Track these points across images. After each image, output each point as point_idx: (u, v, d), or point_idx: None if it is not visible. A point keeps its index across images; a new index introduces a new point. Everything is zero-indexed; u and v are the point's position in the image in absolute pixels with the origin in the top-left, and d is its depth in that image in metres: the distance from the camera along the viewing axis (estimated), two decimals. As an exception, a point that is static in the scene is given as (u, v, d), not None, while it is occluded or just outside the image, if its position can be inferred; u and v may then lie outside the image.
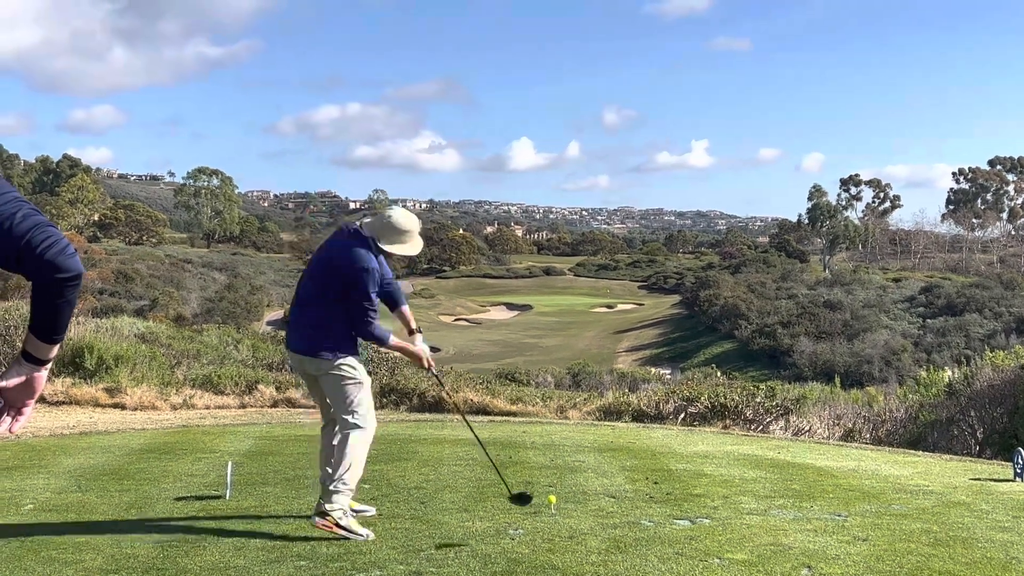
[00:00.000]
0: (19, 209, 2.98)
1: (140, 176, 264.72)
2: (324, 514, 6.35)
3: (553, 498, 7.07)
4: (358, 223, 6.74)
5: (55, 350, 3.18)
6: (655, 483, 8.34)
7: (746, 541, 6.24)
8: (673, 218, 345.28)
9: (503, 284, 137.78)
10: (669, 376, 50.72)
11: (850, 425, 16.02)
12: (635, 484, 8.29)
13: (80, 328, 18.80)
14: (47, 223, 2.99)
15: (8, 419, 3.18)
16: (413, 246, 6.70)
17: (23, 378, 3.14)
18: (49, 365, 3.21)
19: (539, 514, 6.92)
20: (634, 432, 13.09)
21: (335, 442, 6.47)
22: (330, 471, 6.38)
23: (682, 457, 10.21)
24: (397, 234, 6.60)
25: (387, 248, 6.57)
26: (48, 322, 3.06)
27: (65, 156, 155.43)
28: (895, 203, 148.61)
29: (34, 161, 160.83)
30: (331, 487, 6.31)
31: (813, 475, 9.22)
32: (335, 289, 6.41)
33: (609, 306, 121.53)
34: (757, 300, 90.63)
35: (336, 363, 6.44)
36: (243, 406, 16.80)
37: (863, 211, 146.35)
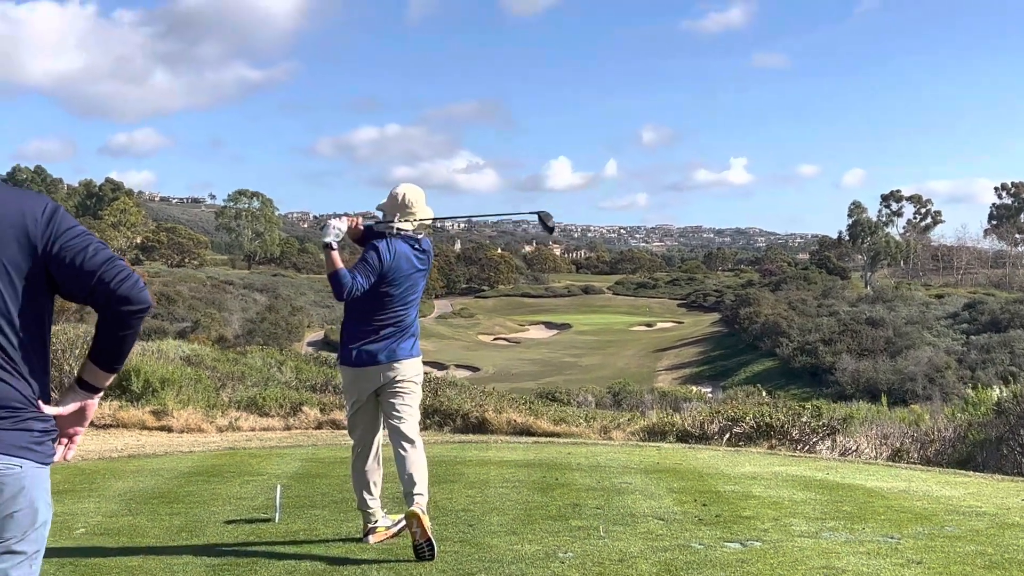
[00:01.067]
0: (89, 243, 3.06)
1: (181, 199, 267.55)
2: (372, 531, 6.68)
3: None
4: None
5: (111, 378, 3.24)
6: (704, 505, 8.29)
7: (798, 564, 6.19)
8: (712, 235, 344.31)
9: (542, 303, 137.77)
10: (710, 395, 50.54)
11: (897, 445, 15.83)
12: (683, 506, 8.25)
13: (126, 351, 18.95)
14: (116, 257, 3.06)
15: (61, 447, 3.23)
16: (421, 214, 6.80)
17: (77, 405, 3.19)
18: (102, 393, 3.26)
19: (589, 537, 6.90)
20: (680, 453, 13.02)
21: (412, 453, 6.54)
22: (416, 478, 6.46)
23: (730, 478, 10.14)
24: (403, 208, 6.71)
25: (400, 225, 6.67)
26: (112, 352, 3.13)
27: (107, 180, 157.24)
28: (936, 219, 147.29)
29: (77, 185, 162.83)
30: (420, 492, 6.41)
31: (863, 496, 9.13)
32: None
33: (648, 324, 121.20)
34: (798, 317, 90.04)
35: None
36: (288, 428, 16.89)
37: (904, 227, 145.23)
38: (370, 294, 6.54)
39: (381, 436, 6.86)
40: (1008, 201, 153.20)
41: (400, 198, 6.72)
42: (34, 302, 3.09)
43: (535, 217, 7.02)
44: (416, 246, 6.71)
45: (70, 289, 3.09)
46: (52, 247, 3.04)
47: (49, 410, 3.14)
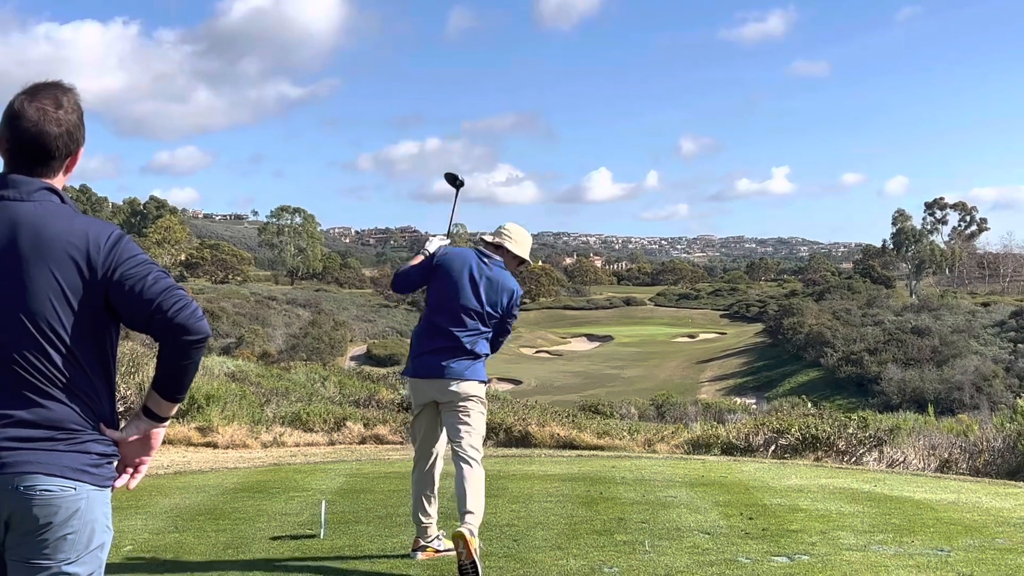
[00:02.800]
0: (149, 272, 3.09)
1: (224, 215, 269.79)
2: (422, 548, 6.68)
3: None
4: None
5: (175, 408, 3.26)
6: (750, 519, 8.22)
7: (847, 579, 6.12)
8: (754, 245, 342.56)
9: (583, 315, 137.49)
10: (755, 406, 50.15)
11: (946, 455, 15.62)
12: (729, 520, 8.19)
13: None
14: (176, 286, 3.09)
15: (126, 475, 3.25)
16: (514, 245, 7.02)
17: (141, 433, 3.22)
18: (168, 422, 3.28)
19: (634, 552, 6.87)
20: (725, 466, 12.93)
21: (467, 472, 6.53)
22: (468, 497, 6.45)
23: (776, 491, 10.06)
24: (499, 231, 7.03)
25: (487, 238, 7.00)
26: (173, 382, 3.16)
27: (152, 198, 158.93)
28: (982, 226, 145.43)
29: (122, 203, 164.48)
30: (471, 511, 6.40)
31: (912, 508, 9.02)
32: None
33: (691, 336, 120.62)
34: (842, 327, 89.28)
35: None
36: (332, 443, 16.94)
37: (949, 235, 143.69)
38: (432, 303, 6.63)
39: (441, 449, 6.85)
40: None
41: (504, 226, 7.02)
42: (92, 326, 3.12)
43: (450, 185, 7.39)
44: (485, 259, 6.74)
45: (129, 316, 3.12)
46: (112, 274, 3.08)
47: (112, 435, 3.17)
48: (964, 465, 15.36)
